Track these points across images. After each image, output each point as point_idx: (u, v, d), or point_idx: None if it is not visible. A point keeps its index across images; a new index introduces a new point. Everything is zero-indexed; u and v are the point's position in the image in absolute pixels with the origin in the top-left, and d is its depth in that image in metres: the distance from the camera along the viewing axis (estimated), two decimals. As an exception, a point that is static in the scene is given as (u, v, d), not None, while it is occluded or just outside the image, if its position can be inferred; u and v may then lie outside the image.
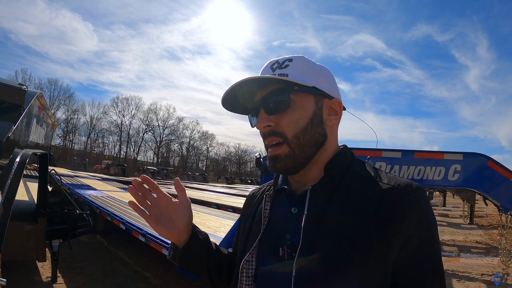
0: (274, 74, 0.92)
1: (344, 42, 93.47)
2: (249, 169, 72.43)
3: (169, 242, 1.08)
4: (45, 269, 5.73)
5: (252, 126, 1.00)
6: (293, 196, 0.96)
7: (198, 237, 1.08)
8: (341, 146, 1.01)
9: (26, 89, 2.06)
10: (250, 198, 1.17)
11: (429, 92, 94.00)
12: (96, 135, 62.05)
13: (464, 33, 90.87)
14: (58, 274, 5.43)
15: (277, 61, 0.95)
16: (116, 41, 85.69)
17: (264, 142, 0.96)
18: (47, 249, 5.40)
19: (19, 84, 2.12)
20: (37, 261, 5.61)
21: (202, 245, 1.08)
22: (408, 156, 8.25)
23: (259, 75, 0.94)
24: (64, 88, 58.90)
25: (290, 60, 0.94)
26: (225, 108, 1.02)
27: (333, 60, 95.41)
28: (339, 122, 0.99)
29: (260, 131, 0.96)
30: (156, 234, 4.56)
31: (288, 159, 0.91)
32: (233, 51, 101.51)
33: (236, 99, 0.97)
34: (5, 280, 1.53)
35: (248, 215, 1.09)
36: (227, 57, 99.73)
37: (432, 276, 0.82)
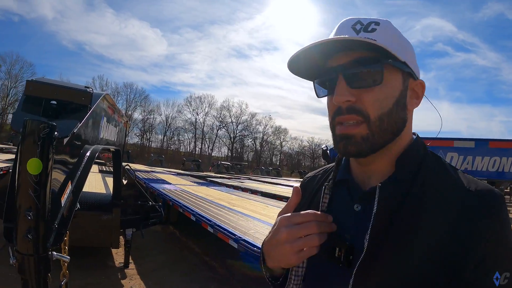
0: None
1: (412, 27, 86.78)
2: (322, 163, 70.62)
3: (256, 249, 0.90)
4: (118, 255, 6.18)
5: (319, 96, 0.86)
6: (357, 191, 0.84)
7: None
8: (413, 135, 0.87)
9: (92, 91, 2.31)
10: (306, 184, 1.03)
11: (507, 76, 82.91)
12: (171, 133, 64.77)
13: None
14: (130, 260, 5.83)
15: (359, 21, 0.79)
16: (184, 44, 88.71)
17: (334, 118, 0.81)
18: (121, 237, 5.86)
19: (85, 87, 2.38)
20: (111, 248, 6.07)
21: None
22: (482, 145, 7.49)
23: (343, 36, 0.76)
24: (140, 90, 62.14)
25: (376, 23, 0.79)
26: (290, 70, 0.86)
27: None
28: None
29: (332, 105, 0.81)
30: (223, 225, 4.77)
31: (365, 143, 0.77)
32: (299, 45, 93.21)
33: (305, 62, 0.82)
34: (69, 257, 1.75)
35: (302, 205, 0.91)
36: (294, 51, 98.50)
37: None
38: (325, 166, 1.03)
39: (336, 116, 0.79)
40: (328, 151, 12.38)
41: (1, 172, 8.46)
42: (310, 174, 1.07)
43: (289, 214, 0.79)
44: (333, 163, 0.95)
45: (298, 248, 0.74)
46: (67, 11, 73.62)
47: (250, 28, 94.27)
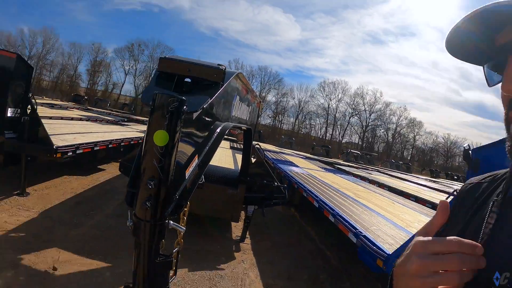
0: None
1: None
2: (456, 164, 63.42)
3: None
4: (237, 229, 6.47)
5: (491, 85, 0.67)
6: None
7: None
8: None
9: (224, 68, 2.36)
10: (466, 193, 0.79)
11: None
12: (303, 117, 65.56)
13: None
14: (247, 236, 6.08)
15: None
16: (317, 29, 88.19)
17: (507, 113, 0.63)
18: (242, 212, 6.15)
19: (218, 64, 2.44)
20: (231, 221, 6.36)
21: None
22: None
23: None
24: (274, 74, 64.22)
25: None
26: (449, 52, 0.69)
27: None
28: None
29: (504, 96, 0.64)
30: (346, 217, 4.62)
31: None
32: (438, 30, 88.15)
33: (467, 39, 0.65)
34: (184, 228, 1.82)
35: (456, 222, 0.72)
36: (432, 38, 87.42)
37: None
38: (493, 173, 0.78)
39: (509, 110, 0.61)
40: (470, 152, 10.94)
41: (140, 141, 9.80)
42: (473, 179, 0.81)
43: (428, 238, 0.60)
44: (506, 170, 0.71)
45: (430, 286, 0.56)
46: (203, 1, 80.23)
47: (385, 12, 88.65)
